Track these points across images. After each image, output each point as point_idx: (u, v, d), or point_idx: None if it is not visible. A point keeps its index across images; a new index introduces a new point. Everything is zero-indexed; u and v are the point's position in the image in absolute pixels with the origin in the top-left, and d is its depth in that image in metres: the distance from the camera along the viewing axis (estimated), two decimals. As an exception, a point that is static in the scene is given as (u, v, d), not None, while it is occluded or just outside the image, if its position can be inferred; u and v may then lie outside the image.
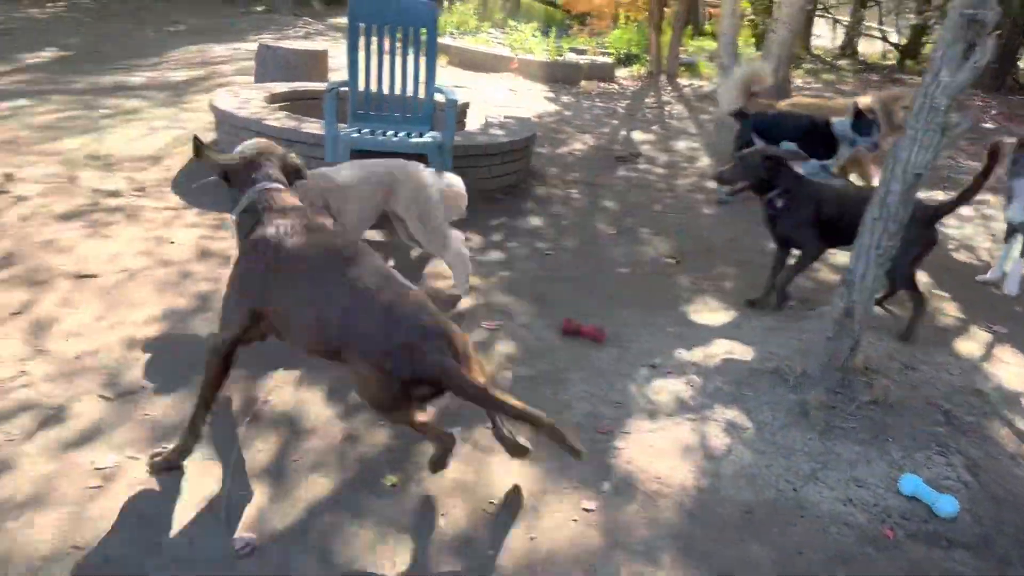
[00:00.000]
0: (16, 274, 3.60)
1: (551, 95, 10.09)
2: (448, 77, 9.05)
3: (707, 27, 17.84)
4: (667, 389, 3.20)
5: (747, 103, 5.76)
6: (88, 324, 3.25)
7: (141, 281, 3.70)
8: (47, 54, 9.27)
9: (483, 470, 2.62)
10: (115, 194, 4.79)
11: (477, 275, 4.18)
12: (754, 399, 3.11)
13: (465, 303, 3.85)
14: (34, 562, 2.04)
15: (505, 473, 2.61)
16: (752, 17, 16.10)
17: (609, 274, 4.48)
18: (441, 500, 2.46)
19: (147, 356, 3.06)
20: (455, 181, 3.92)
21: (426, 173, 3.81)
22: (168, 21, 13.03)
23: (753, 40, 15.63)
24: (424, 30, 4.90)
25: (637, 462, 2.73)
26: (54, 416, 2.64)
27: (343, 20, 15.44)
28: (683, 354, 3.47)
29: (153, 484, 2.37)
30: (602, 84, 11.37)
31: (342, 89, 4.88)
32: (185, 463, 2.46)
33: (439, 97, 5.03)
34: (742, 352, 3.47)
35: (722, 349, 3.51)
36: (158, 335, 3.24)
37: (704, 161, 7.51)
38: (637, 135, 8.35)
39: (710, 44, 16.22)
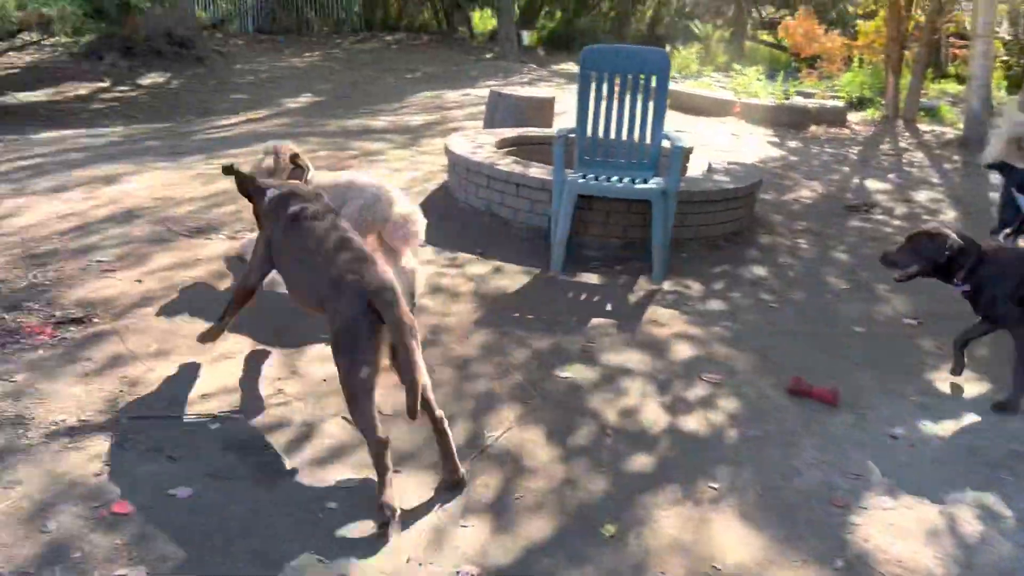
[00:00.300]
0: (272, 303, 3.99)
1: (776, 140, 9.76)
2: (669, 121, 9.01)
3: (951, 69, 16.55)
4: (910, 464, 2.94)
5: (1014, 157, 5.23)
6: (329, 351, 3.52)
7: (380, 312, 3.96)
8: (304, 99, 10.34)
9: (704, 530, 2.54)
10: (359, 229, 5.19)
11: (697, 325, 4.09)
12: (1014, 484, 2.79)
13: (686, 352, 3.78)
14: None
15: (728, 536, 2.50)
16: (1005, 58, 14.74)
17: (841, 332, 4.22)
18: (660, 557, 2.40)
19: (382, 383, 3.26)
20: (407, 209, 3.87)
21: (373, 196, 3.82)
22: (407, 69, 14.08)
23: (1005, 84, 14.28)
24: (655, 77, 4.93)
25: (875, 541, 2.53)
26: (304, 434, 2.88)
27: (565, 66, 16.04)
28: (929, 426, 3.18)
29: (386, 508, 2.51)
30: (832, 129, 10.84)
31: (570, 136, 5.01)
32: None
33: (665, 143, 5.02)
34: (998, 430, 3.12)
35: (974, 424, 3.18)
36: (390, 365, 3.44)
37: (949, 214, 6.92)
38: (871, 183, 7.86)
39: (954, 87, 15.03)
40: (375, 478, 2.49)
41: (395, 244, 3.86)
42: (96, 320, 3.58)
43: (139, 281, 4.06)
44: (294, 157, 3.98)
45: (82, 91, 10.10)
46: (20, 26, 7.95)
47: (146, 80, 11.13)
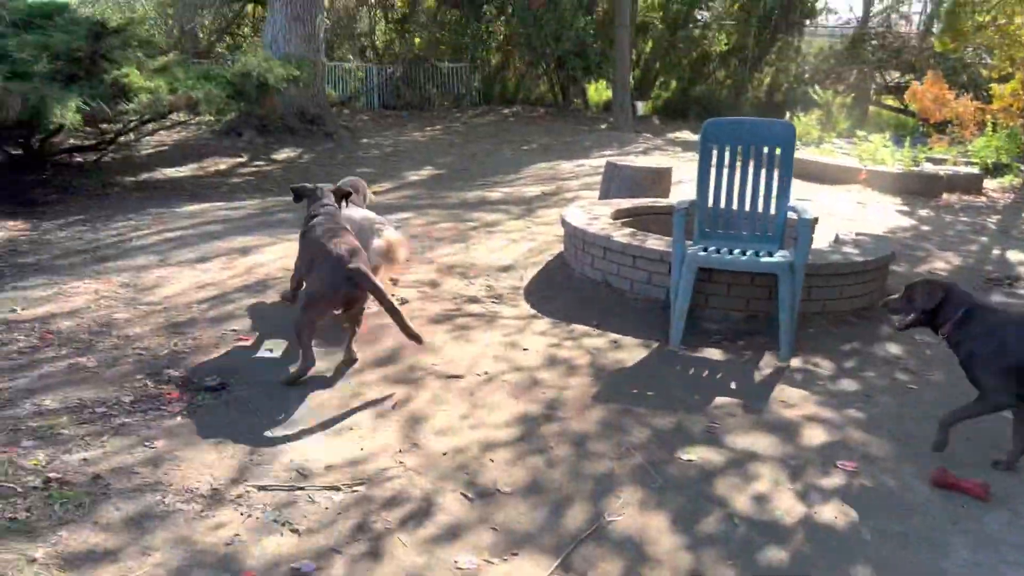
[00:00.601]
0: (398, 371, 4.06)
1: (905, 208, 9.34)
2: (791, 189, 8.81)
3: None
4: (1080, 571, 2.65)
5: None
6: (453, 423, 3.54)
7: (497, 384, 3.97)
8: (425, 172, 10.69)
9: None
10: (475, 300, 5.26)
11: (829, 406, 3.88)
12: None
13: (819, 436, 3.58)
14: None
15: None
16: None
17: (987, 417, 3.89)
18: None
19: (501, 459, 3.24)
20: (391, 235, 4.65)
21: (358, 225, 4.60)
22: (523, 141, 14.40)
23: None
24: (779, 149, 4.83)
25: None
26: (422, 509, 2.87)
27: (681, 135, 16.02)
28: (1099, 529, 2.87)
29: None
30: (966, 197, 10.30)
31: (690, 207, 4.94)
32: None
33: (790, 214, 4.88)
34: None
35: None
36: (509, 439, 3.42)
37: (1105, 288, 6.37)
38: (1013, 255, 7.37)
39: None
40: (494, 561, 2.44)
41: (377, 262, 4.50)
42: (230, 388, 3.73)
43: (270, 350, 4.23)
44: (347, 195, 4.76)
45: (222, 166, 10.81)
46: (170, 108, 8.61)
47: (280, 155, 11.81)
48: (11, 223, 6.85)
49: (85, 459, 3.05)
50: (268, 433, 3.34)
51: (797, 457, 3.37)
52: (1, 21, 7.94)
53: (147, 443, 3.19)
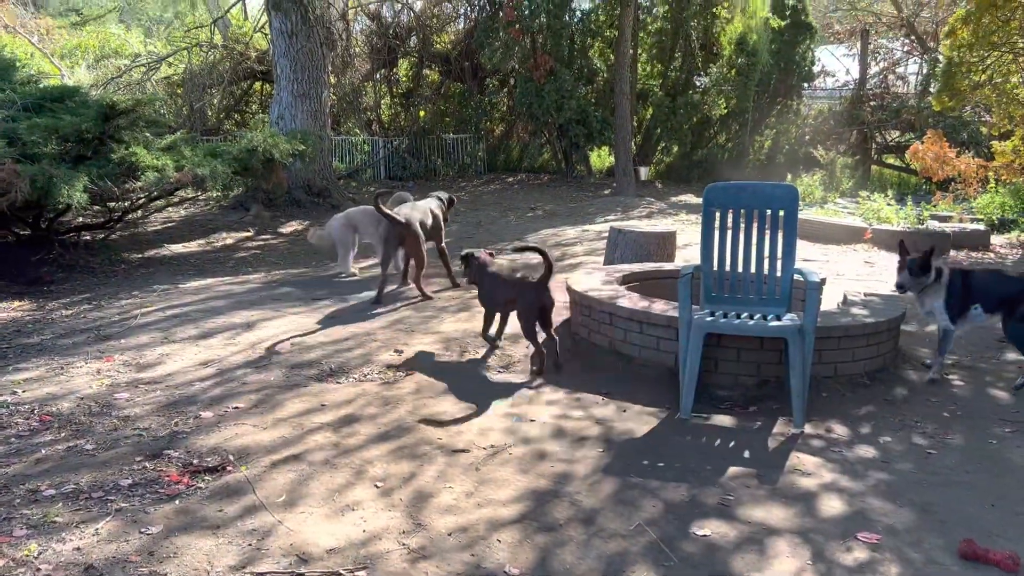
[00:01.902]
0: (404, 445, 3.97)
1: (913, 267, 9.28)
2: (796, 250, 8.78)
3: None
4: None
5: None
6: (459, 500, 3.43)
7: (504, 458, 3.87)
8: (431, 241, 10.72)
9: None
10: (485, 368, 5.19)
11: (847, 474, 3.76)
12: None
13: (837, 507, 3.45)
14: None
15: None
16: None
17: (1014, 483, 3.76)
18: None
19: (509, 540, 3.12)
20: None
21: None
22: (528, 208, 14.50)
23: None
24: (782, 212, 4.81)
25: None
26: (428, 594, 2.75)
27: (684, 198, 16.12)
28: None
29: None
30: (974, 253, 10.26)
31: (695, 272, 4.90)
32: None
33: (797, 277, 4.83)
34: None
35: None
36: (516, 516, 3.31)
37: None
38: (1026, 311, 7.26)
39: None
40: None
41: None
42: (230, 469, 3.64)
43: (270, 428, 4.15)
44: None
45: (229, 241, 10.88)
46: (177, 185, 8.71)
47: (287, 228, 11.90)
48: (17, 303, 6.87)
49: (79, 548, 2.95)
50: (268, 516, 3.24)
51: (816, 530, 3.24)
52: (13, 105, 8.11)
53: (143, 529, 3.09)
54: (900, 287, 5.26)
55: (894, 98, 20.13)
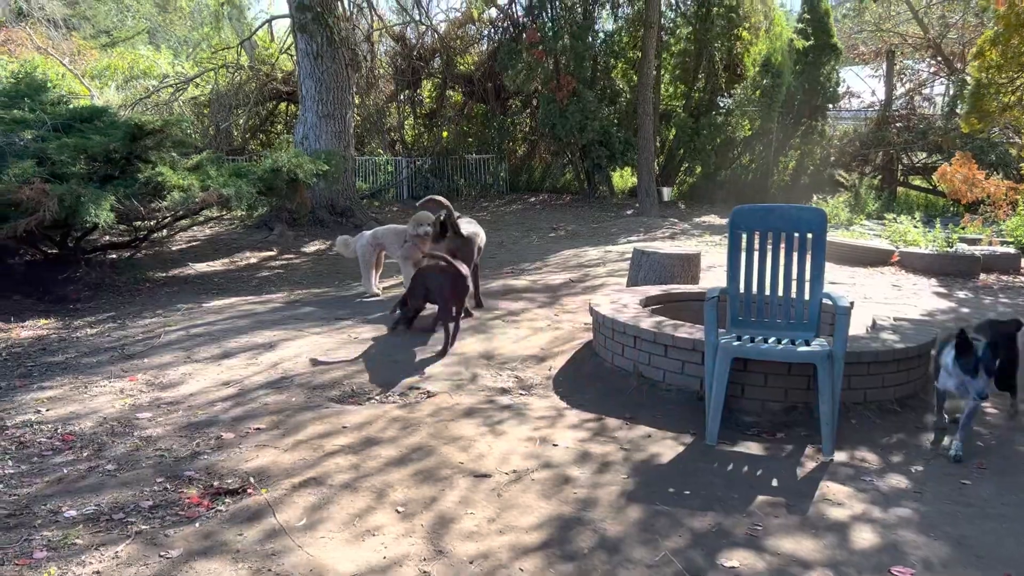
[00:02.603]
0: (425, 468, 3.93)
1: (942, 290, 9.14)
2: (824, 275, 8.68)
3: None
4: None
5: None
6: (481, 526, 3.38)
7: (527, 483, 3.81)
8: (452, 261, 10.71)
9: None
10: (505, 392, 5.14)
11: (878, 504, 3.66)
12: None
13: (869, 539, 3.35)
14: None
15: None
16: None
17: (1052, 515, 3.65)
18: None
19: (531, 568, 3.06)
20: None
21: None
22: (550, 228, 14.48)
23: None
24: (810, 235, 4.74)
25: None
26: (449, 624, 2.70)
27: (708, 219, 16.03)
28: None
29: None
30: (1005, 277, 10.08)
31: (721, 295, 4.84)
32: None
33: (825, 301, 4.75)
34: None
35: None
36: (539, 543, 3.24)
37: None
38: (1060, 336, 7.10)
39: None
40: None
41: None
42: (250, 491, 3.61)
43: (290, 450, 4.12)
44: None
45: (253, 260, 10.94)
46: (202, 204, 8.78)
47: (310, 248, 11.96)
48: (43, 321, 6.92)
49: (98, 572, 2.92)
50: (288, 540, 3.20)
51: (848, 563, 3.14)
52: (43, 125, 8.22)
53: (163, 553, 3.07)
54: (983, 396, 4.06)
55: (920, 119, 19.95)
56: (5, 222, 7.19)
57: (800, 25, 18.70)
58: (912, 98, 21.87)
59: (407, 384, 5.20)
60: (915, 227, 11.80)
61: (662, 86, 19.70)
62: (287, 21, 15.38)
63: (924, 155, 19.71)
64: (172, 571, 2.94)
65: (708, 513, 3.54)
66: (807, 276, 4.78)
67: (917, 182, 19.94)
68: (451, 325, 5.95)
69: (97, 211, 7.19)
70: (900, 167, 19.96)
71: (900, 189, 19.76)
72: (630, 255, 8.02)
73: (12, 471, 3.80)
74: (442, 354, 5.78)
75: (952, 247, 10.86)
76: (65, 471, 3.81)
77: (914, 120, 19.96)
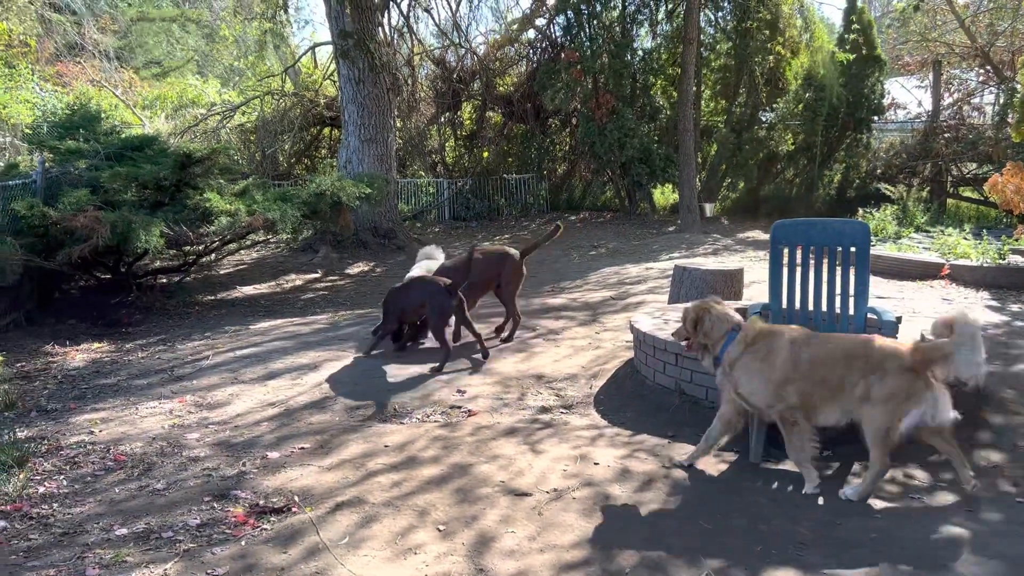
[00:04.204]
0: (466, 487, 3.94)
1: (995, 304, 8.90)
2: (870, 287, 8.52)
3: None
4: None
5: None
6: (522, 544, 3.37)
7: (567, 501, 3.80)
8: (494, 281, 10.76)
9: None
10: (546, 410, 5.14)
11: (928, 523, 3.57)
12: None
13: (915, 556, 3.27)
14: None
15: None
16: None
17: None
18: None
19: (573, 586, 3.05)
20: None
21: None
22: (591, 246, 14.46)
23: None
24: (854, 248, 4.67)
25: None
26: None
27: (751, 234, 15.84)
28: None
29: None
30: (1060, 289, 9.77)
31: (764, 311, 4.79)
32: None
33: (870, 315, 4.67)
34: None
35: None
36: (579, 561, 3.23)
37: None
38: (1121, 349, 6.87)
39: None
40: None
41: None
42: (295, 510, 3.67)
43: (333, 469, 4.17)
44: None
45: (298, 282, 11.13)
46: (248, 228, 8.98)
47: (353, 270, 12.12)
48: (96, 344, 7.12)
49: (147, 588, 2.99)
50: (331, 558, 3.24)
51: (896, 582, 3.07)
52: (96, 155, 8.51)
53: (210, 571, 3.13)
54: None
55: (970, 129, 19.51)
56: (61, 248, 7.45)
57: (845, 35, 18.48)
58: (960, 108, 21.40)
59: (447, 403, 5.23)
60: (965, 239, 11.52)
61: (702, 101, 19.61)
62: (330, 48, 15.72)
63: (974, 166, 19.24)
64: (218, 588, 3.00)
65: (752, 533, 3.49)
66: (851, 290, 4.71)
67: (967, 193, 19.47)
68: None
69: (147, 237, 7.40)
70: (949, 178, 19.52)
71: (950, 201, 19.31)
72: (671, 272, 7.98)
73: (67, 490, 3.91)
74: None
75: (1004, 259, 10.58)
76: (116, 491, 3.91)
77: (963, 130, 19.52)
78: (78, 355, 6.76)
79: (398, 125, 16.99)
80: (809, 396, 3.84)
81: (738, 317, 4.13)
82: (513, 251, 6.92)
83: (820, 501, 3.83)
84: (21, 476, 3.97)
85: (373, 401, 5.25)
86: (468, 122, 21.37)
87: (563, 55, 17.92)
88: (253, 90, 19.55)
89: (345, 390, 5.46)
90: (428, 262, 7.28)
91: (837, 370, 3.79)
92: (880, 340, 3.85)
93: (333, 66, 16.13)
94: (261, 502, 3.75)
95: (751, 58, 18.73)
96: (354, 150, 13.58)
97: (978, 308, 8.63)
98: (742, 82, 19.40)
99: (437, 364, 5.92)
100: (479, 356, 6.22)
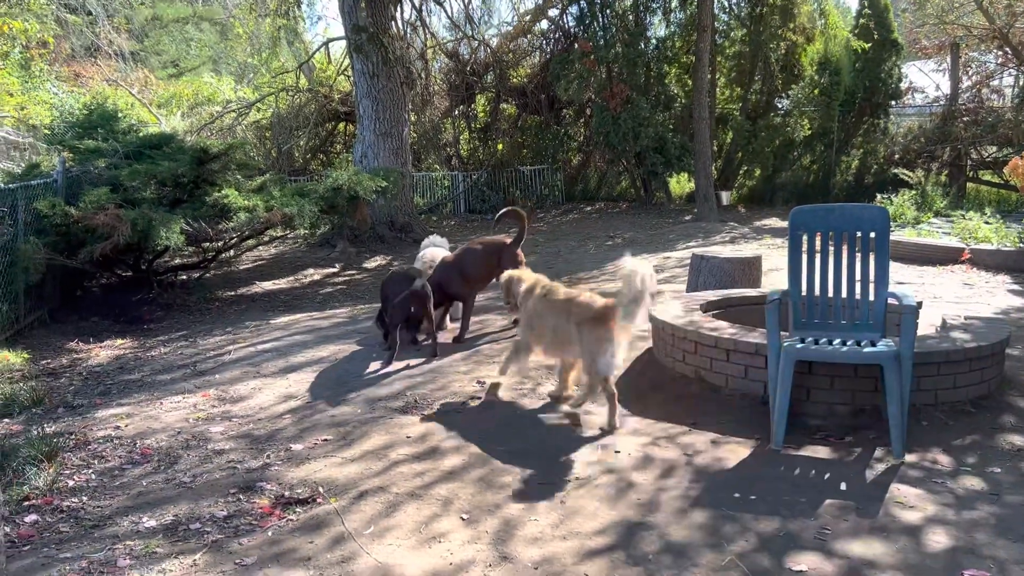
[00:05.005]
0: (488, 475, 3.97)
1: (1017, 288, 8.82)
2: (890, 272, 8.46)
3: None
4: None
5: None
6: (545, 532, 3.40)
7: (590, 489, 3.82)
8: (511, 272, 10.78)
9: None
10: (565, 399, 5.15)
11: (951, 507, 3.56)
12: None
13: (942, 541, 3.26)
14: None
15: None
16: None
17: None
18: None
19: (596, 572, 3.07)
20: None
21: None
22: (607, 236, 14.44)
23: None
24: (873, 233, 4.65)
25: None
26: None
27: (768, 222, 15.77)
28: None
29: None
30: (1083, 271, 9.67)
31: (783, 298, 4.77)
32: None
33: (891, 300, 4.65)
34: None
35: None
36: (603, 547, 3.25)
37: None
38: None
39: None
40: None
41: None
42: (319, 500, 3.71)
43: (357, 460, 4.21)
44: None
45: (316, 276, 11.20)
46: (266, 224, 9.05)
47: (371, 264, 12.18)
48: (120, 341, 7.21)
49: (177, 578, 3.04)
50: (356, 546, 3.28)
51: (919, 566, 3.07)
52: (115, 153, 8.59)
53: (238, 561, 3.17)
54: None
55: (989, 112, 19.28)
56: (83, 246, 7.54)
57: (861, 20, 18.31)
58: (979, 91, 21.15)
59: (467, 393, 5.26)
60: (986, 223, 11.42)
61: (717, 89, 19.50)
62: (343, 43, 15.76)
63: (994, 149, 19.03)
64: (247, 577, 3.04)
65: (774, 517, 3.50)
66: (871, 276, 4.69)
67: (987, 177, 19.26)
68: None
69: (168, 234, 7.48)
70: (969, 162, 19.31)
71: (970, 185, 19.11)
72: (688, 261, 7.96)
73: (96, 484, 3.98)
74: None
75: (1026, 243, 10.48)
76: (144, 483, 3.97)
77: (982, 113, 19.30)
78: (102, 352, 6.84)
79: (412, 119, 17.02)
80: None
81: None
82: (510, 240, 6.95)
83: (843, 486, 3.82)
84: (51, 470, 4.03)
85: (394, 393, 5.28)
86: (482, 114, 21.37)
87: (576, 45, 17.88)
88: (268, 86, 19.63)
89: (364, 382, 5.50)
90: (434, 250, 7.35)
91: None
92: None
93: (347, 61, 16.17)
94: (286, 493, 3.79)
95: (765, 44, 18.59)
96: (369, 144, 13.62)
97: (1001, 292, 8.56)
98: (757, 69, 19.27)
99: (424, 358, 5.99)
100: (495, 345, 6.23)
